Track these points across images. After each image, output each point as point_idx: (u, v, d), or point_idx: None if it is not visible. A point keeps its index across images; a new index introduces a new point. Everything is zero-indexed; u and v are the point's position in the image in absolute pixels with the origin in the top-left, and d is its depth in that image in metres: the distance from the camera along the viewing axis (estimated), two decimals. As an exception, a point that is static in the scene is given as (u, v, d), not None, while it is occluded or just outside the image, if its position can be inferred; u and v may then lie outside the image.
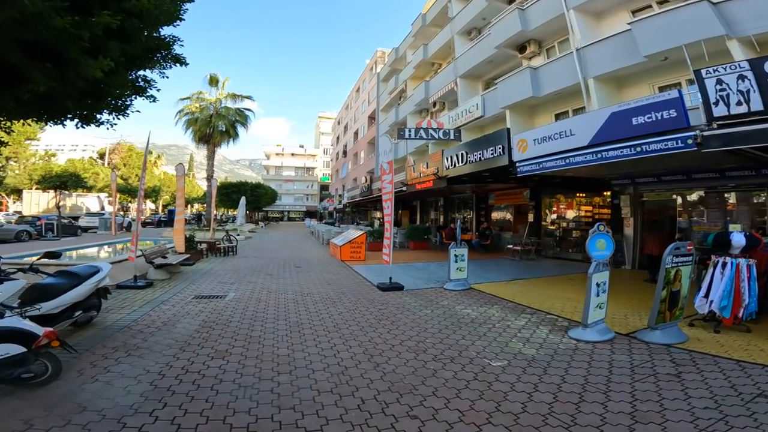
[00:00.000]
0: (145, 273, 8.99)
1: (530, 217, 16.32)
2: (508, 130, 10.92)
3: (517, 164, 9.87)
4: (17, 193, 38.61)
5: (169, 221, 38.62)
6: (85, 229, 27.70)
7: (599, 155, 7.68)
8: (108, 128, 6.64)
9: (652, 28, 10.68)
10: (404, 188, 18.09)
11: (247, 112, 27.10)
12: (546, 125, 10.12)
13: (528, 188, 16.62)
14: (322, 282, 9.19)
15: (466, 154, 12.34)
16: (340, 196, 44.61)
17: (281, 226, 50.74)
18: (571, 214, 15.51)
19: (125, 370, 4.02)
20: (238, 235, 22.41)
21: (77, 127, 6.43)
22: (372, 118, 39.97)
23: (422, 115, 27.80)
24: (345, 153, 52.71)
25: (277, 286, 8.61)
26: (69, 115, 6.07)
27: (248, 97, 27.48)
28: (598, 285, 5.25)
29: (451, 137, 19.06)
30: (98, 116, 6.45)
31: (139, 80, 7.07)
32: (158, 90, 7.44)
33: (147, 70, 7.19)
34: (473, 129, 19.86)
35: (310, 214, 69.43)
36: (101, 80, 5.59)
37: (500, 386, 3.83)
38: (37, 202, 30.72)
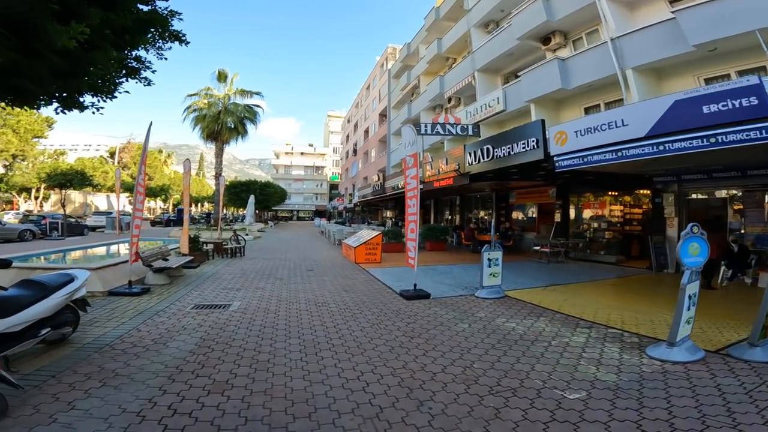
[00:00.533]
0: (142, 278, 8.12)
1: (557, 217, 15.24)
2: (543, 121, 9.88)
3: (556, 158, 8.86)
4: (27, 191, 38.42)
5: (178, 220, 38.16)
6: (93, 228, 27.18)
7: (661, 147, 6.67)
8: (94, 113, 5.72)
9: (702, 17, 9.68)
10: (421, 186, 17.08)
11: (256, 109, 26.34)
12: (591, 115, 9.12)
13: (554, 186, 15.55)
14: (337, 288, 8.24)
15: (492, 148, 11.33)
16: (350, 195, 43.74)
17: (290, 226, 50.02)
18: (602, 213, 14.42)
19: (95, 407, 3.11)
20: (247, 234, 21.62)
21: (57, 113, 5.55)
22: (383, 115, 39.02)
23: (436, 111, 26.81)
24: (355, 151, 51.85)
25: (287, 293, 7.68)
26: (42, 98, 5.15)
27: (257, 93, 26.71)
28: (690, 297, 4.24)
29: (470, 133, 18.09)
30: (81, 99, 5.55)
31: (131, 59, 6.18)
32: (154, 72, 6.57)
33: (141, 48, 6.32)
34: (493, 124, 18.89)
35: (320, 213, 68.72)
36: (80, 55, 4.70)
37: (593, 429, 2.85)
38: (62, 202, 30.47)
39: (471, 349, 4.68)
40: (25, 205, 43.40)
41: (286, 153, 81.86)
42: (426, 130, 18.13)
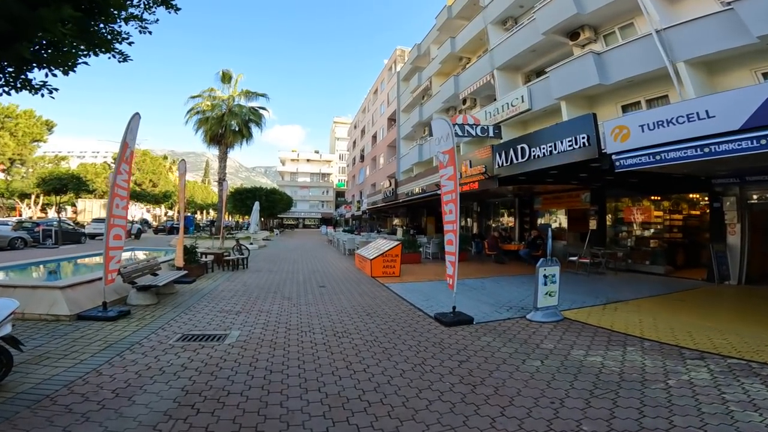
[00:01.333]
0: (124, 296, 6.80)
1: (592, 224, 13.80)
2: (594, 115, 8.58)
3: (615, 157, 7.54)
4: (29, 197, 37.52)
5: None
6: (93, 236, 26.01)
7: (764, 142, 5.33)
8: (43, 95, 4.39)
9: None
10: (438, 191, 15.75)
11: (261, 111, 25.24)
12: (660, 108, 7.74)
13: (587, 190, 14.15)
14: (357, 311, 6.86)
15: (529, 148, 9.99)
16: (358, 202, 42.45)
17: (297, 234, 48.71)
18: (645, 219, 12.98)
19: None
20: (251, 243, 20.33)
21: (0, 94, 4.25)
22: (392, 119, 37.88)
23: (449, 113, 25.57)
24: (362, 157, 50.68)
25: (298, 317, 6.30)
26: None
27: (263, 95, 25.65)
28: None
29: (490, 134, 16.82)
30: (28, 75, 4.26)
31: (102, 30, 4.89)
32: (131, 44, 5.28)
33: (122, 21, 5.07)
34: (515, 125, 17.63)
35: (326, 221, 67.45)
36: (19, 11, 3.43)
37: None
38: (90, 209, 29.50)
39: (564, 400, 3.33)
40: (29, 211, 42.55)
41: (292, 160, 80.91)
42: None
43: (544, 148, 9.46)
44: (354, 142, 60.33)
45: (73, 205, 38.41)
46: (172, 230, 36.02)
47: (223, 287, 8.77)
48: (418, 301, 7.65)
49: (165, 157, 60.95)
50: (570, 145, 8.73)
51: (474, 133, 16.78)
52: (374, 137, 44.65)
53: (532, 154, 9.88)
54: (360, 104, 56.28)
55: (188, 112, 23.46)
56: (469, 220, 23.19)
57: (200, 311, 6.52)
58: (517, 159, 10.42)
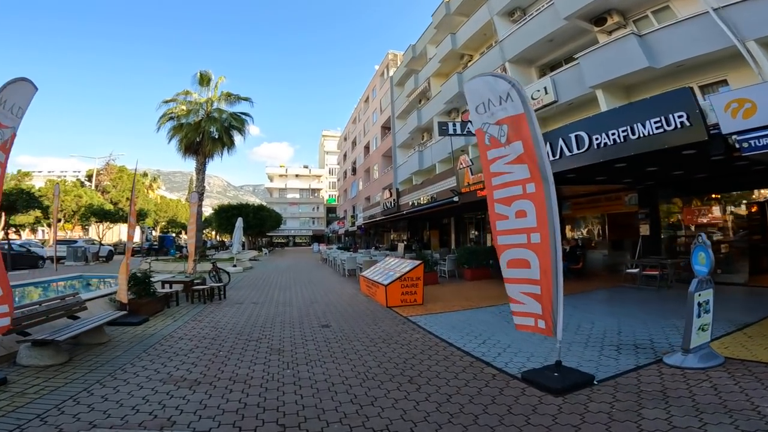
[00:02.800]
0: (12, 353, 4.21)
1: (643, 230, 11.52)
2: (692, 88, 6.46)
3: (740, 137, 5.36)
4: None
5: (160, 249, 33.94)
6: (59, 259, 22.99)
7: None
8: None
9: None
10: (455, 198, 13.43)
11: (244, 117, 22.72)
12: None
13: (634, 192, 11.93)
14: (390, 372, 4.30)
15: (588, 136, 7.70)
16: (353, 217, 39.93)
17: (287, 252, 45.85)
18: (712, 221, 10.79)
19: None
20: (234, 266, 17.63)
21: None
22: (386, 128, 35.84)
23: (451, 115, 23.52)
24: (354, 170, 48.41)
25: (297, 395, 3.70)
26: None
27: (246, 99, 23.11)
28: None
29: None
30: None
31: None
32: None
33: None
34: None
35: (317, 238, 64.69)
36: None
37: None
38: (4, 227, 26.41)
39: None
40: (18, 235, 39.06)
41: (280, 175, 78.19)
42: (455, 130, 14.71)
43: (613, 134, 7.19)
44: (345, 155, 58.11)
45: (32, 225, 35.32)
46: (150, 251, 33.00)
47: (183, 332, 6.15)
48: (474, 346, 5.16)
49: (145, 174, 57.73)
50: (659, 127, 6.46)
51: None
52: (367, 148, 42.51)
53: (594, 143, 7.59)
54: (350, 115, 54.32)
55: (160, 118, 20.85)
56: (479, 231, 20.78)
57: (130, 380, 3.92)
58: (570, 151, 8.13)
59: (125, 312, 6.23)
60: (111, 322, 5.56)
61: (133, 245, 7.03)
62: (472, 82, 4.69)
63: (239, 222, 19.53)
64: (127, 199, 42.04)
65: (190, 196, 12.48)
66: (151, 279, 7.44)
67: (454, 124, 14.81)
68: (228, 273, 12.33)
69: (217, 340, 5.67)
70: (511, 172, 4.19)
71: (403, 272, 8.43)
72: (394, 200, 21.08)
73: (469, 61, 22.23)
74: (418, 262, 8.74)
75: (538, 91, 14.60)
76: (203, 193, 21.03)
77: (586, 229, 14.12)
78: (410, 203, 18.49)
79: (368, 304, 8.58)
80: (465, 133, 14.71)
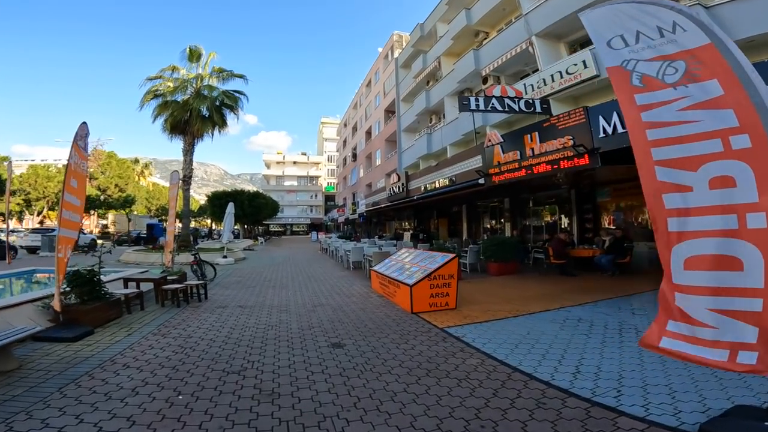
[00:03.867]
0: None
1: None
2: None
3: None
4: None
5: (149, 238, 31.89)
6: (35, 250, 21.17)
7: None
8: None
9: None
10: (481, 180, 11.59)
11: (237, 95, 20.64)
12: None
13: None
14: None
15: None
16: (354, 204, 38.00)
17: (285, 241, 43.98)
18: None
19: None
20: (225, 257, 15.79)
21: None
22: (390, 111, 33.82)
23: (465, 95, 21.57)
24: (355, 156, 46.38)
25: None
26: None
27: (240, 76, 21.02)
28: None
29: (538, 109, 12.83)
30: None
31: None
32: None
33: None
34: (566, 100, 13.92)
35: (315, 226, 62.81)
36: None
37: None
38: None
39: None
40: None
41: (278, 162, 75.87)
42: (477, 105, 12.84)
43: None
44: (344, 141, 55.99)
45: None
46: (139, 240, 31.06)
47: (134, 353, 4.33)
48: (570, 378, 3.41)
49: (136, 161, 55.47)
50: None
51: (516, 108, 12.78)
52: (368, 133, 40.47)
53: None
54: (350, 101, 52.15)
55: (145, 95, 18.73)
56: (496, 221, 18.94)
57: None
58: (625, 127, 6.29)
59: (54, 325, 4.39)
60: (36, 338, 3.74)
61: (76, 234, 5.13)
62: (595, 11, 3.25)
63: (230, 207, 17.55)
64: (116, 185, 40.05)
65: (170, 175, 10.54)
66: (100, 277, 5.57)
67: (477, 99, 12.88)
68: (214, 267, 10.51)
69: (180, 371, 3.86)
70: (695, 121, 2.49)
71: (432, 269, 6.60)
72: (402, 185, 19.17)
73: (485, 38, 20.25)
74: (450, 255, 6.91)
75: (575, 65, 12.76)
76: (191, 177, 19.06)
77: (633, 218, 12.29)
78: (422, 188, 16.62)
79: (386, 309, 6.76)
80: (490, 108, 12.81)
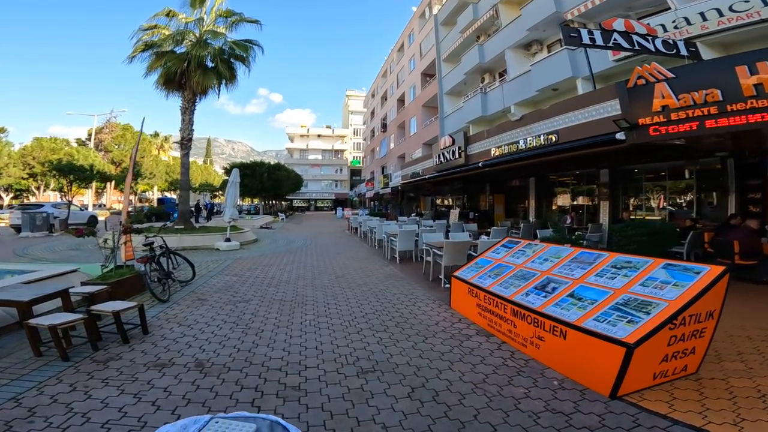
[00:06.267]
0: None
1: None
2: None
3: None
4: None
5: (159, 215, 29.08)
6: (20, 229, 18.40)
7: None
8: None
9: None
10: (619, 135, 7.49)
11: (249, 45, 16.68)
12: None
13: None
14: None
15: None
16: (385, 177, 34.00)
17: (307, 218, 40.53)
18: None
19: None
20: (227, 240, 12.28)
21: None
22: (427, 75, 29.37)
23: (532, 48, 16.98)
24: (384, 127, 42.13)
25: None
26: None
27: (255, 22, 17.02)
28: None
29: (683, 51, 8.50)
30: None
31: None
32: None
33: None
34: (713, 45, 9.44)
35: (340, 202, 59.47)
36: None
37: None
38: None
39: None
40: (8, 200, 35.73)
41: (302, 136, 72.16)
42: (593, 39, 8.77)
43: None
44: (372, 113, 51.62)
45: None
46: (151, 216, 28.22)
47: None
48: None
49: (156, 134, 52.93)
50: None
51: (652, 48, 8.58)
52: (401, 101, 36.11)
53: None
54: (377, 73, 47.60)
55: (135, 45, 15.06)
56: (571, 197, 14.62)
57: None
58: None
59: None
60: None
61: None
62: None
63: (233, 175, 13.60)
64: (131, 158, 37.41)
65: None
66: None
67: (591, 32, 8.68)
68: (191, 263, 6.92)
69: None
70: None
71: (682, 304, 2.72)
72: (459, 149, 14.99)
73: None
74: (706, 268, 2.96)
75: (746, 1, 8.28)
76: (190, 140, 15.48)
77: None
78: (492, 152, 12.44)
79: (526, 379, 2.95)
80: (611, 45, 8.65)
